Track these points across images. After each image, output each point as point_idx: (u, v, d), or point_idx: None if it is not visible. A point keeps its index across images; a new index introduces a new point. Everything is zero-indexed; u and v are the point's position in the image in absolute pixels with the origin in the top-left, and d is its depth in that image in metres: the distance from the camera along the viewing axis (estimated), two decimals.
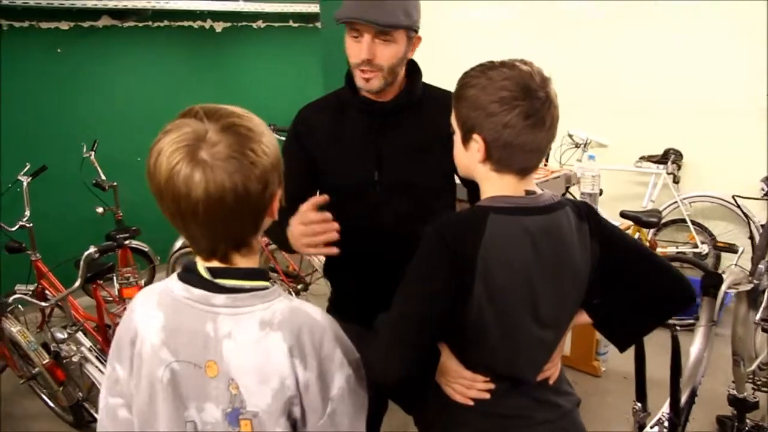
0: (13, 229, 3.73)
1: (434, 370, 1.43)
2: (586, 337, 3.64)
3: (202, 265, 1.12)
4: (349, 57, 1.72)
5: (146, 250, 4.67)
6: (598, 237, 1.39)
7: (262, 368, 1.08)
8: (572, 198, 1.67)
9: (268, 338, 1.09)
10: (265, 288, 1.13)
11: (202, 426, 1.11)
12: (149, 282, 4.72)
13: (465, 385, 1.40)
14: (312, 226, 1.56)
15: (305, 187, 1.85)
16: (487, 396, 1.40)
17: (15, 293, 3.20)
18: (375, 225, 1.78)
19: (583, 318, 1.49)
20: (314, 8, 5.53)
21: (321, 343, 1.12)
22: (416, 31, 1.72)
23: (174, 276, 1.15)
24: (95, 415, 3.38)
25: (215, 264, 1.12)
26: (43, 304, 3.15)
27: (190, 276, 1.12)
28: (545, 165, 3.78)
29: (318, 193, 1.88)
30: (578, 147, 4.68)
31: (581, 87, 4.48)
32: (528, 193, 1.34)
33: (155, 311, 1.12)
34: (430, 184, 1.82)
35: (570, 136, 4.69)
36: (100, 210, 4.18)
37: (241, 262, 1.13)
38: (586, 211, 1.40)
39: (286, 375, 1.09)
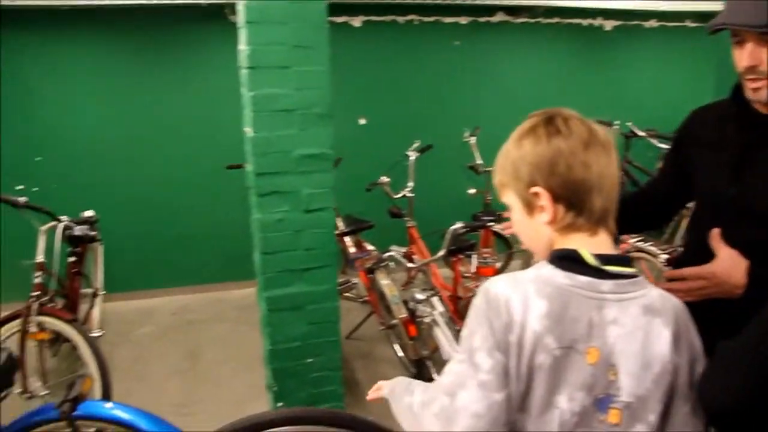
0: (397, 196, 4.24)
1: None
2: None
3: (587, 253, 1.12)
4: (735, 66, 1.52)
5: (507, 236, 4.90)
6: None
7: (645, 353, 1.09)
8: None
9: (652, 324, 1.10)
10: (637, 275, 1.13)
11: (569, 415, 1.10)
12: (504, 267, 4.95)
13: None
14: None
15: (661, 186, 1.88)
16: None
17: (389, 251, 3.65)
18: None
19: None
20: (717, 6, 5.09)
21: (689, 328, 1.15)
22: None
23: (544, 265, 1.14)
24: (434, 375, 3.70)
25: (603, 250, 1.13)
26: (410, 265, 3.52)
27: (570, 264, 1.12)
28: None
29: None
30: None
31: None
32: None
33: (535, 300, 1.09)
34: None
35: None
36: (471, 191, 4.50)
37: None
38: None
39: (667, 360, 1.10)
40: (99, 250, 4.38)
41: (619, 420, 1.10)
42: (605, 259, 1.11)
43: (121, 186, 5.14)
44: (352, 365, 4.06)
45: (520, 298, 1.10)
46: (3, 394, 2.56)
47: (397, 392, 1.38)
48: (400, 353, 4.09)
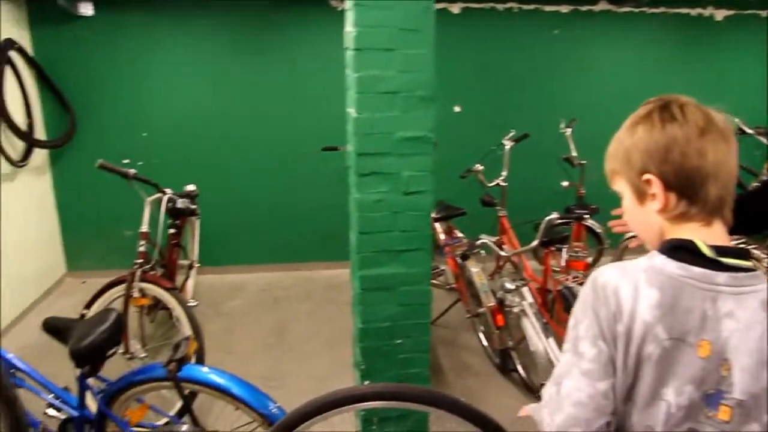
0: (490, 185, 4.20)
1: None
2: None
3: (702, 243, 1.08)
4: None
5: (599, 231, 4.78)
6: None
7: (763, 349, 1.04)
8: None
9: None
10: (755, 269, 1.08)
11: (675, 408, 1.07)
12: (595, 262, 4.84)
13: None
14: None
15: None
16: None
17: (481, 239, 3.62)
18: None
19: None
20: None
21: None
22: None
23: (656, 255, 1.11)
24: (518, 365, 3.67)
25: (717, 242, 1.09)
26: (503, 253, 3.49)
27: (683, 254, 1.09)
28: None
29: None
30: None
31: None
32: None
33: (646, 289, 1.07)
34: None
35: None
36: (565, 184, 4.40)
37: None
38: None
39: None
40: (196, 223, 4.56)
41: (729, 417, 1.05)
42: (721, 250, 1.07)
43: (218, 164, 5.33)
44: (436, 351, 4.07)
45: (630, 287, 1.08)
46: (111, 351, 2.71)
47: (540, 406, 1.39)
48: (485, 342, 4.08)
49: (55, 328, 2.78)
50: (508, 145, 4.43)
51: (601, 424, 1.08)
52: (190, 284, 4.39)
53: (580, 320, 1.12)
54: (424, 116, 2.61)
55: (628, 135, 1.16)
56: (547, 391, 1.16)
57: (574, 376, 1.10)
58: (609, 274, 1.11)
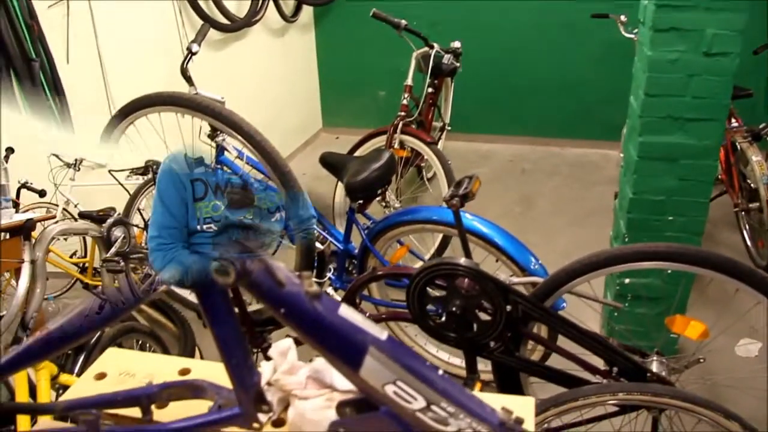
0: None
1: None
2: None
3: None
4: None
5: None
6: None
7: None
8: None
9: None
10: None
11: None
12: None
13: None
14: None
15: None
16: None
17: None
18: None
19: None
20: None
21: None
22: None
23: None
24: None
25: None
26: None
27: None
28: None
29: None
30: None
31: None
32: None
33: None
34: None
35: None
36: None
37: None
38: None
39: None
40: (450, 85, 4.56)
41: None
42: None
43: (476, 29, 5.18)
44: None
45: None
46: (381, 190, 2.85)
47: None
48: (749, 242, 3.72)
49: (331, 163, 2.97)
50: None
51: None
52: (440, 146, 4.46)
53: None
54: None
55: None
56: None
57: None
58: None
